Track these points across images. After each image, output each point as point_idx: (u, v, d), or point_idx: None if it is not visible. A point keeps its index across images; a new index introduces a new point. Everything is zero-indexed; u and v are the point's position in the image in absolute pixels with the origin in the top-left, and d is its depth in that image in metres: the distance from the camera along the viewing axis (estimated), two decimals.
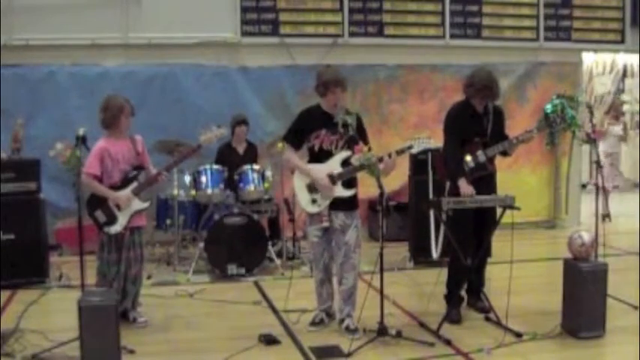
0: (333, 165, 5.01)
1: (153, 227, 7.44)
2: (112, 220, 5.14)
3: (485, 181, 5.36)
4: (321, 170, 5.01)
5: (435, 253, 6.92)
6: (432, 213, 6.82)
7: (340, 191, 5.00)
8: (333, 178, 4.98)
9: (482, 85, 5.27)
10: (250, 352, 4.72)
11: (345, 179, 5.00)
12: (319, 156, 5.05)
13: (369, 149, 4.84)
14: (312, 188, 5.07)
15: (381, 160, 4.87)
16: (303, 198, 5.11)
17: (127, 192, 5.15)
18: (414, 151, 5.01)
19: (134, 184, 5.19)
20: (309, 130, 5.07)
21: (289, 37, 8.48)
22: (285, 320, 5.38)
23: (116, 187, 5.15)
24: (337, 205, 5.02)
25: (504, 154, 5.46)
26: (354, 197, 5.09)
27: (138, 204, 5.20)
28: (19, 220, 6.36)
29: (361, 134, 4.98)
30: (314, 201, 5.06)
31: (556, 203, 9.39)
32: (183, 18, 8.10)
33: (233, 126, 7.38)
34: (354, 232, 5.06)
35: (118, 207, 5.14)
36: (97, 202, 5.13)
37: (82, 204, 4.78)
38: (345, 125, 4.85)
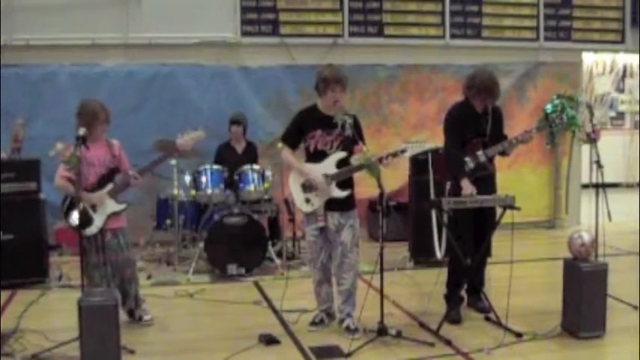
0: (328, 165, 5.01)
1: (153, 227, 7.44)
2: (87, 221, 5.10)
3: (485, 181, 5.36)
4: (316, 170, 5.02)
5: (438, 254, 6.92)
6: (433, 213, 6.83)
7: (335, 192, 4.99)
8: (327, 179, 4.98)
9: (484, 86, 5.27)
10: (250, 352, 4.72)
11: (340, 180, 5.00)
12: (314, 156, 5.05)
13: (367, 150, 4.85)
14: (306, 187, 5.07)
15: (380, 161, 4.87)
16: (298, 197, 5.12)
17: (101, 193, 5.14)
18: (408, 154, 5.01)
19: (110, 186, 5.18)
20: (305, 130, 5.07)
21: (289, 37, 8.48)
22: (285, 320, 5.38)
23: (92, 189, 5.13)
24: (333, 205, 5.02)
25: (503, 153, 5.47)
26: (350, 197, 5.09)
27: (114, 205, 5.18)
28: (19, 220, 6.35)
29: (358, 136, 4.96)
30: (307, 200, 5.07)
31: (556, 203, 9.39)
32: (183, 18, 8.11)
33: (229, 126, 7.39)
34: (350, 231, 5.05)
35: (94, 208, 5.13)
36: (72, 204, 5.09)
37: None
38: (344, 125, 4.85)
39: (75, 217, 5.06)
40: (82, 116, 5.09)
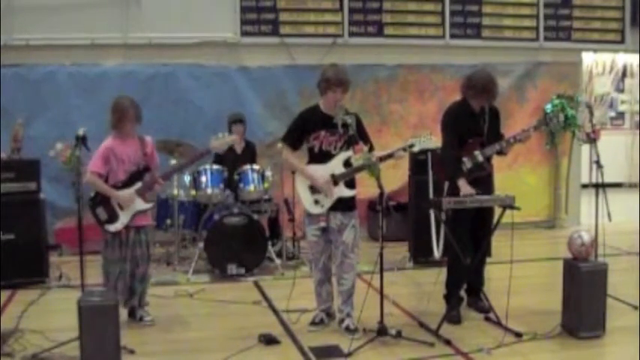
0: (335, 165, 5.01)
1: (153, 227, 7.43)
2: (113, 218, 5.15)
3: (483, 181, 5.36)
4: (322, 171, 5.02)
5: (436, 253, 6.92)
6: (432, 213, 6.83)
7: (344, 191, 5.00)
8: (335, 179, 4.99)
9: (482, 86, 5.26)
10: (250, 352, 4.72)
11: (347, 179, 5.01)
12: (319, 157, 5.05)
13: (371, 148, 4.86)
14: (314, 189, 5.07)
15: (391, 156, 4.90)
16: (306, 199, 5.11)
17: (129, 191, 5.16)
18: (416, 149, 5.03)
19: (138, 185, 5.19)
20: (308, 130, 5.06)
21: (289, 37, 8.48)
22: (285, 320, 5.38)
23: (120, 187, 5.16)
24: (335, 205, 5.02)
25: (500, 153, 5.46)
26: (352, 198, 5.10)
27: (141, 204, 5.20)
28: (19, 220, 6.35)
29: (361, 134, 4.98)
30: (317, 202, 5.06)
31: (556, 203, 9.39)
32: (183, 18, 8.11)
33: (229, 125, 7.39)
34: (352, 232, 5.06)
35: (121, 206, 5.15)
36: (99, 199, 5.15)
37: (82, 204, 4.78)
38: (345, 125, 4.86)
39: (100, 212, 5.10)
40: (114, 113, 5.16)
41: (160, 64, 8.15)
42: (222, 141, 5.47)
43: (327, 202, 5.02)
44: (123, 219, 5.16)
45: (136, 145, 5.23)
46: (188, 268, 6.84)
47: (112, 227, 5.15)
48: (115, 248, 5.18)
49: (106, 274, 5.21)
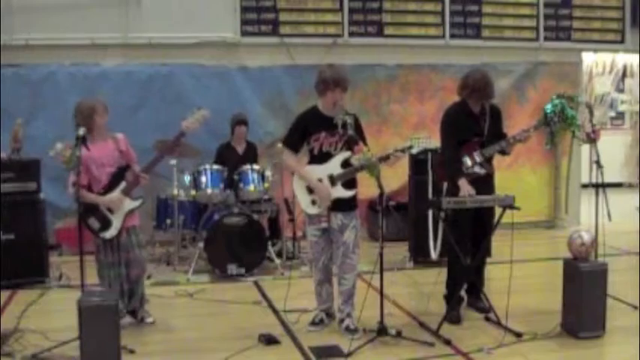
0: (333, 166, 5.01)
1: (153, 227, 7.44)
2: (106, 224, 5.10)
3: (483, 181, 5.36)
4: (320, 172, 5.02)
5: (433, 254, 6.93)
6: (430, 213, 6.83)
7: (341, 192, 5.00)
8: (333, 179, 4.99)
9: (477, 86, 5.27)
10: (250, 352, 4.72)
11: (346, 180, 5.00)
12: (319, 158, 5.05)
13: (368, 150, 4.86)
14: (312, 189, 5.06)
15: (387, 157, 4.89)
16: (304, 199, 5.11)
17: (116, 193, 5.12)
18: (414, 151, 5.03)
19: (123, 184, 5.15)
20: (308, 132, 5.06)
21: (289, 37, 8.48)
22: (285, 320, 5.38)
23: (105, 191, 5.12)
24: (336, 205, 5.02)
25: (503, 153, 5.46)
26: (353, 198, 5.10)
27: (130, 203, 5.17)
28: (19, 220, 6.35)
29: (359, 135, 4.97)
30: (314, 202, 5.06)
31: (556, 203, 9.39)
32: (183, 18, 8.11)
33: (233, 126, 7.39)
34: (353, 232, 5.05)
35: (111, 210, 5.13)
36: (89, 209, 5.07)
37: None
38: (344, 125, 4.86)
39: (93, 222, 5.07)
40: (79, 114, 5.01)
41: (160, 64, 8.15)
42: (192, 119, 5.35)
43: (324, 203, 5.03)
44: (116, 223, 5.11)
45: (110, 145, 5.16)
46: (188, 268, 6.84)
47: (108, 234, 5.10)
48: (107, 252, 5.15)
49: (102, 278, 5.19)
